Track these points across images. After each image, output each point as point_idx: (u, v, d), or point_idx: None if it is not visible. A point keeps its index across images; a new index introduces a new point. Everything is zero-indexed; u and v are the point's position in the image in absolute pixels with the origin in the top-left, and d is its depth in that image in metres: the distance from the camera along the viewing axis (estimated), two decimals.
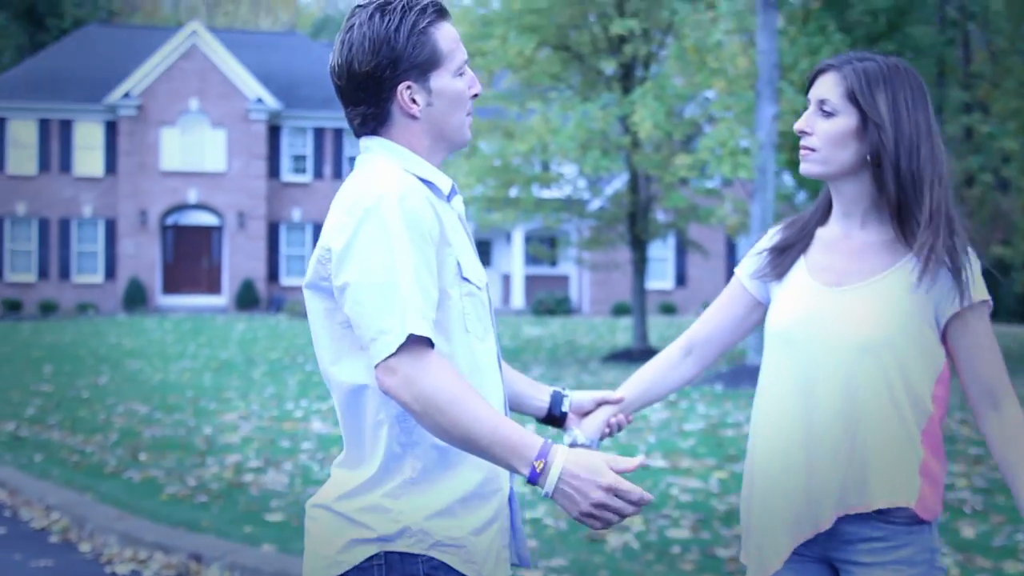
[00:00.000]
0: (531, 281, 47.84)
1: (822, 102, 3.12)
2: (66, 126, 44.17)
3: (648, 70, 23.93)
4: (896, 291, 3.08)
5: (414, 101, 2.84)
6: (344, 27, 2.87)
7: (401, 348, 2.62)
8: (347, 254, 2.70)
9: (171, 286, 44.34)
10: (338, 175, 45.79)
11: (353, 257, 2.69)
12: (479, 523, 2.81)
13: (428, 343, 2.64)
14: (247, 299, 43.23)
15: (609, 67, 23.60)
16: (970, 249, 3.10)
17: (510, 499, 2.92)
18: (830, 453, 3.07)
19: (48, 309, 42.45)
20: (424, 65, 2.83)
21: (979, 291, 3.09)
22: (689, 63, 19.68)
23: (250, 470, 11.08)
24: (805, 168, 3.16)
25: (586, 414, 3.39)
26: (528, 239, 46.68)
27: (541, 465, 2.59)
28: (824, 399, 3.08)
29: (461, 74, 2.90)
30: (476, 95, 2.95)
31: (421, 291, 2.67)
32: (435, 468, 2.78)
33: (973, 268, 3.08)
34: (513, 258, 46.54)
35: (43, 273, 43.88)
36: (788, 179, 26.19)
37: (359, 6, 2.87)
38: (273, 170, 45.71)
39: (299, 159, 46.21)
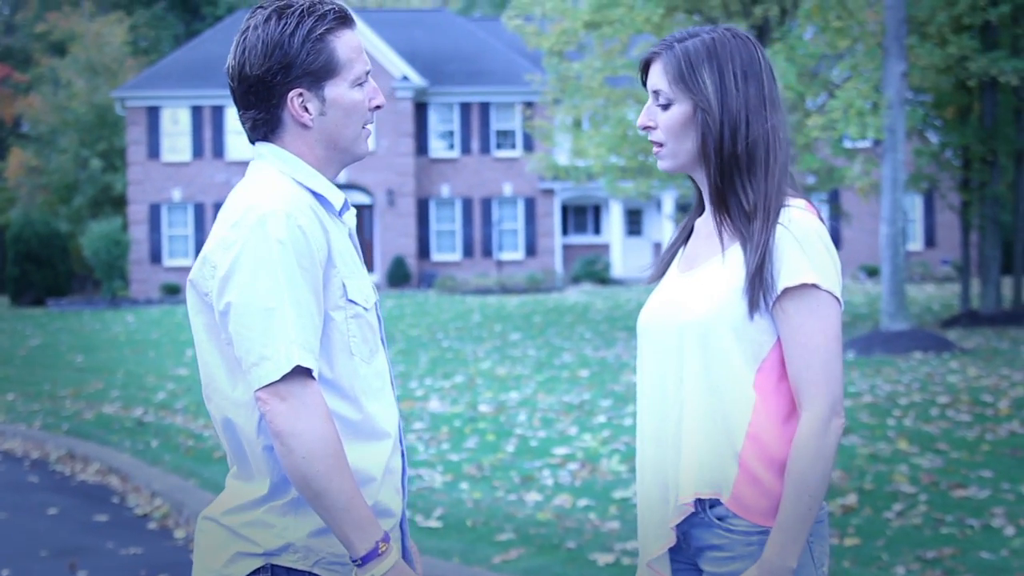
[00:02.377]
0: None
1: (656, 94, 2.91)
2: (218, 112, 44.95)
3: (782, 30, 23.35)
4: (719, 275, 2.85)
5: (306, 109, 2.78)
6: (241, 28, 2.80)
7: (284, 377, 2.58)
8: (232, 274, 2.63)
9: None
10: (486, 150, 45.81)
11: (237, 277, 2.63)
12: None
13: (310, 374, 2.61)
14: (398, 276, 43.55)
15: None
16: (809, 225, 2.80)
17: (401, 522, 2.87)
18: (673, 444, 2.88)
19: None
20: (318, 73, 2.76)
21: (796, 275, 2.76)
22: (816, 22, 19.12)
23: None
24: (660, 165, 2.96)
25: None
26: (679, 207, 46.16)
27: (384, 548, 2.60)
28: (669, 388, 2.89)
29: (360, 84, 2.82)
30: (378, 107, 2.86)
31: (306, 318, 2.63)
32: None
33: (805, 247, 2.77)
34: (663, 226, 46.09)
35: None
36: (933, 137, 25.37)
37: (259, 7, 2.80)
38: (421, 147, 45.87)
39: (446, 135, 46.34)
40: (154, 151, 44.72)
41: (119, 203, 50.94)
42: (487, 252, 45.56)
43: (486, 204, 45.52)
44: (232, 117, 44.72)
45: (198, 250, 44.20)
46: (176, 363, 20.44)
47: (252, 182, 2.77)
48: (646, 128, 2.94)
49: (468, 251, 45.47)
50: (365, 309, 2.78)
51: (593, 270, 44.24)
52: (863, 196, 21.12)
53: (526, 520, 8.32)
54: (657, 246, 47.65)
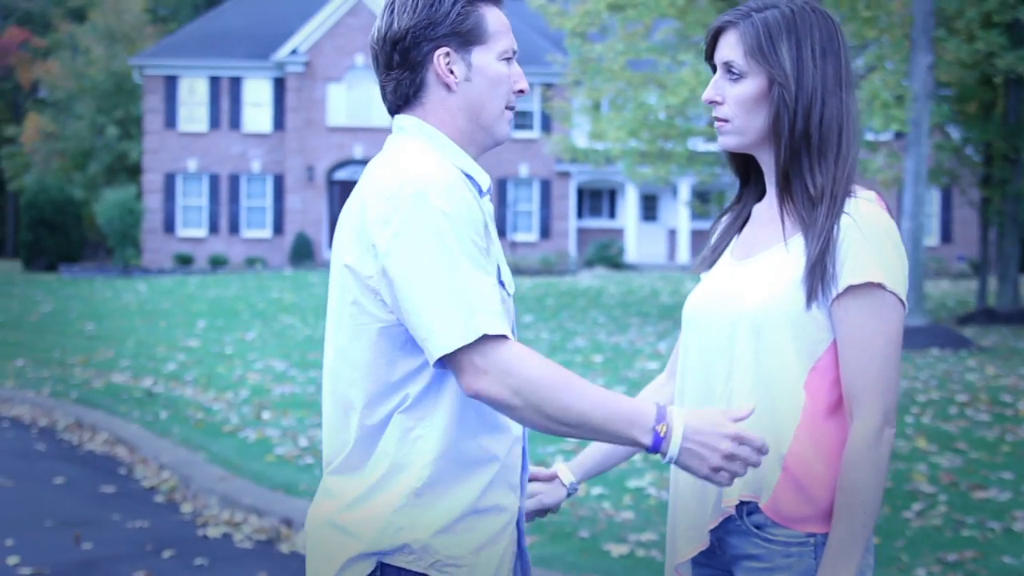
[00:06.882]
0: (697, 236, 47.17)
1: (727, 65, 2.72)
2: (235, 83, 44.83)
3: None
4: (780, 265, 2.68)
5: (451, 71, 2.63)
6: None
7: (476, 345, 2.41)
8: (396, 249, 2.46)
9: None
10: None
11: (405, 251, 2.45)
12: (483, 541, 2.60)
13: (504, 338, 2.44)
14: None
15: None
16: (878, 219, 2.63)
17: (518, 518, 2.71)
18: None
19: (218, 263, 43.26)
20: (466, 35, 2.64)
21: (861, 272, 2.58)
22: (843, 11, 18.91)
23: None
24: (723, 141, 2.76)
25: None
26: (695, 193, 45.94)
27: (664, 429, 2.44)
28: (716, 382, 2.72)
29: (507, 60, 2.68)
30: (521, 91, 2.70)
31: (487, 283, 2.46)
32: (441, 481, 2.56)
33: (873, 242, 2.60)
34: (679, 212, 45.91)
35: (213, 228, 44.73)
36: (955, 132, 25.16)
37: None
38: None
39: None
40: (171, 120, 44.60)
41: (134, 171, 50.92)
42: (501, 233, 45.40)
43: (501, 185, 45.35)
44: (250, 88, 44.63)
45: (212, 221, 44.45)
46: (187, 334, 20.33)
47: (398, 155, 2.60)
48: (712, 102, 2.76)
49: None
50: (508, 295, 2.64)
51: (607, 254, 44.09)
52: (884, 189, 20.93)
53: None
54: (672, 232, 47.48)
